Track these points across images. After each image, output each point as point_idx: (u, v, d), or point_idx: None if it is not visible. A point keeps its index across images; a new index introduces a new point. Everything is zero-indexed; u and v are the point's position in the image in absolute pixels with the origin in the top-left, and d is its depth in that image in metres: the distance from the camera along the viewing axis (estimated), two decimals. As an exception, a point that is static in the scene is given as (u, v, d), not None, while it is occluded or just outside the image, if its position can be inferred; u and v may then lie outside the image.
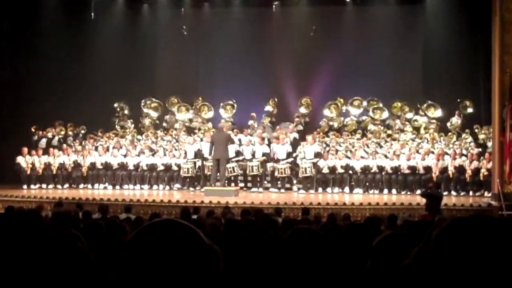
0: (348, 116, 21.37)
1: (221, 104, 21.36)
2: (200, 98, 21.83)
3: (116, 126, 21.86)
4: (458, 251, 1.40)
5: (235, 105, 21.28)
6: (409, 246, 2.65)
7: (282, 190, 18.43)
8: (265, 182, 19.24)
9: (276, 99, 21.66)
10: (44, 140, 20.85)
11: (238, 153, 18.94)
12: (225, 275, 1.55)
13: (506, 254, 1.37)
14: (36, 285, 1.46)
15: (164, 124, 21.86)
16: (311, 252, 2.85)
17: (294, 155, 19.08)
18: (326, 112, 21.20)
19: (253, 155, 18.84)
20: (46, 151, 20.01)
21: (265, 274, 2.63)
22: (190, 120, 21.65)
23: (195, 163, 18.89)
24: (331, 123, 21.15)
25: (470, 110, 20.48)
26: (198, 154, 18.91)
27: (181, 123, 21.49)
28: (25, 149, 19.58)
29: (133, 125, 21.92)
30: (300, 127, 21.00)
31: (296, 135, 20.21)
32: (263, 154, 18.85)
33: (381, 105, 21.00)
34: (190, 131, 21.08)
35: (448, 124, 20.33)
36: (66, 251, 1.51)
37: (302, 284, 2.71)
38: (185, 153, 19.25)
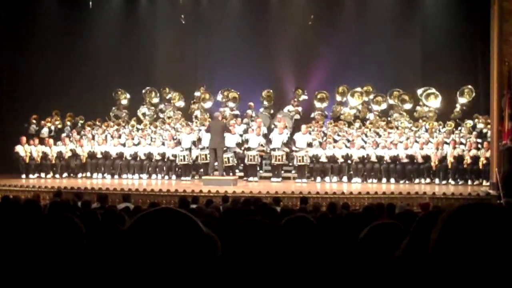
0: (346, 106, 21.33)
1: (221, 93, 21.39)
2: (202, 88, 21.79)
3: (110, 114, 21.80)
4: (467, 239, 1.40)
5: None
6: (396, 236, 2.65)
7: (279, 179, 18.47)
8: (261, 171, 19.28)
9: (270, 91, 21.52)
10: (46, 130, 20.85)
11: (239, 145, 18.91)
12: (223, 264, 1.55)
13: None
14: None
15: (161, 115, 21.84)
16: (305, 240, 2.87)
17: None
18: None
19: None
20: (43, 141, 20.03)
21: (260, 262, 2.64)
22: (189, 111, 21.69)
23: (190, 151, 18.97)
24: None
25: (466, 99, 20.43)
26: (196, 143, 19.04)
27: (177, 112, 21.50)
28: (24, 138, 19.58)
29: (127, 116, 21.86)
30: (298, 116, 21.01)
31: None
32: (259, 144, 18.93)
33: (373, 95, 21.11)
34: (189, 120, 21.08)
35: (452, 115, 20.26)
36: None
37: (298, 273, 2.72)
38: (179, 142, 19.28)
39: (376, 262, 2.70)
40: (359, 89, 20.98)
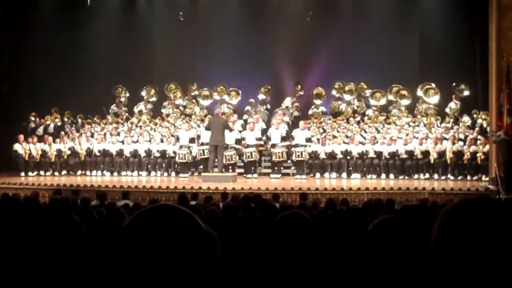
0: (343, 102, 21.40)
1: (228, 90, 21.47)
2: (194, 85, 21.88)
3: (110, 111, 21.78)
4: (466, 235, 1.40)
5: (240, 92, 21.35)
6: (405, 231, 2.66)
7: (278, 175, 18.47)
8: (259, 167, 19.28)
9: (268, 87, 21.59)
10: (42, 128, 20.80)
11: (238, 141, 18.90)
12: (222, 260, 1.55)
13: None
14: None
15: (163, 110, 21.82)
16: (299, 236, 2.87)
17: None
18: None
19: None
20: (42, 139, 20.00)
21: (259, 259, 2.64)
22: (184, 107, 21.70)
23: (189, 149, 18.97)
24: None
25: (466, 93, 20.47)
26: (195, 140, 19.04)
27: (176, 109, 21.51)
28: (22, 136, 19.56)
29: (127, 113, 21.84)
30: (296, 113, 21.03)
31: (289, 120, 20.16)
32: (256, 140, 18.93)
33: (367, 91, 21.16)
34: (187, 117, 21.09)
35: (447, 109, 20.30)
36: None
37: (293, 268, 2.72)
38: (178, 139, 19.29)
39: (380, 257, 2.70)
40: (352, 84, 21.13)
